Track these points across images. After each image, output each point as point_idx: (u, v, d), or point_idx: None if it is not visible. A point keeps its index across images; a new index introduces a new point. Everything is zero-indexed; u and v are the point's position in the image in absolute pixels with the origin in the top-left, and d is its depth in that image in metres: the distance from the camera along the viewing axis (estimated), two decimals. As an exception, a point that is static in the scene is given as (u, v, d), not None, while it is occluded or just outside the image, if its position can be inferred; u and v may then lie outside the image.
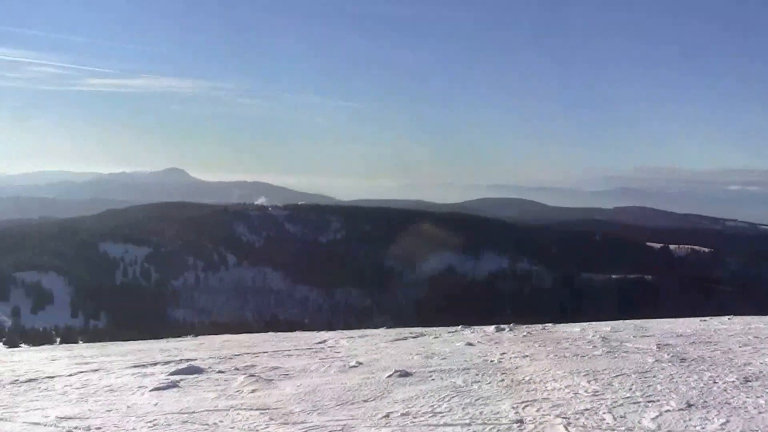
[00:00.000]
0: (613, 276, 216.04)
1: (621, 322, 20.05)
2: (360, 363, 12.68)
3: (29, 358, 16.15)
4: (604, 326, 18.43)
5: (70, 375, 12.49)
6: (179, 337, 22.71)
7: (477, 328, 19.05)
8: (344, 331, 20.22)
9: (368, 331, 19.83)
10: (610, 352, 13.38)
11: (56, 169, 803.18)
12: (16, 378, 12.27)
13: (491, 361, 12.57)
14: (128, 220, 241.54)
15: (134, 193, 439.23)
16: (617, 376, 10.79)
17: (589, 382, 10.28)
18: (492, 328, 18.46)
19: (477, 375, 11.17)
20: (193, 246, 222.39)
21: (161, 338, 21.82)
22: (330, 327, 27.62)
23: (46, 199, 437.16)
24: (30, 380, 12.04)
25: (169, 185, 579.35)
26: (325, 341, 16.95)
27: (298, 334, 20.52)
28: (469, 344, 15.16)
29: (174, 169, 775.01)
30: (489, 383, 10.44)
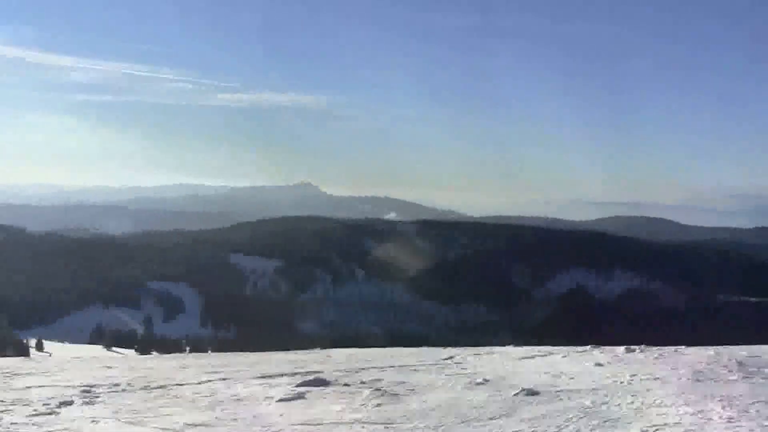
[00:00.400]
0: (751, 299, 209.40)
1: (758, 347, 19.33)
2: (486, 380, 12.56)
3: (160, 365, 16.49)
4: (740, 350, 17.82)
5: (199, 383, 12.70)
6: (306, 349, 22.88)
7: (606, 348, 18.68)
8: (470, 348, 20.07)
9: (495, 348, 19.64)
10: (746, 377, 12.91)
11: (190, 182, 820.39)
12: (147, 384, 12.54)
13: (621, 383, 12.31)
14: (259, 233, 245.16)
15: (265, 207, 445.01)
16: (754, 402, 10.38)
17: (723, 408, 9.93)
18: (622, 349, 18.09)
19: (606, 396, 10.94)
20: (322, 259, 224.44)
21: (288, 350, 22.02)
22: (456, 343, 27.48)
23: (179, 211, 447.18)
24: (160, 387, 12.28)
25: (299, 199, 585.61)
26: (451, 357, 16.87)
27: (424, 349, 20.47)
28: (598, 365, 14.88)
29: (304, 184, 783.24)
30: (618, 405, 10.22)
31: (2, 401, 10.76)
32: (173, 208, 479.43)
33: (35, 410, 9.94)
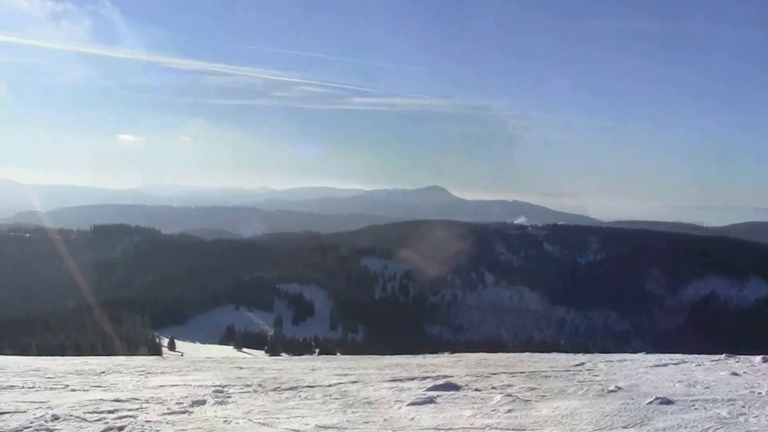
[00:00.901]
0: None
1: None
2: (619, 388, 12.27)
3: (291, 366, 16.61)
4: None
5: (330, 385, 12.73)
6: (435, 353, 22.80)
7: (742, 357, 18.08)
8: (602, 354, 19.73)
9: (627, 356, 19.24)
10: None
11: (321, 185, 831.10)
12: (279, 385, 12.63)
13: (759, 393, 11.86)
14: (389, 236, 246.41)
15: (395, 210, 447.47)
16: None
17: None
18: (759, 358, 17.47)
19: (743, 407, 10.55)
20: (451, 264, 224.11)
21: (417, 353, 21.98)
22: (586, 349, 27.08)
23: (311, 213, 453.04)
24: (291, 388, 12.35)
25: (429, 203, 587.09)
26: (582, 364, 16.57)
27: (554, 355, 20.18)
28: (734, 374, 14.40)
29: (435, 188, 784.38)
30: (756, 416, 9.82)
31: (137, 399, 10.96)
32: (305, 210, 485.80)
33: (169, 409, 10.09)
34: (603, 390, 12.08)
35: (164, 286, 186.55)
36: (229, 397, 11.35)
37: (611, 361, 17.21)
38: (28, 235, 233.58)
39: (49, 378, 13.38)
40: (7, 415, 9.29)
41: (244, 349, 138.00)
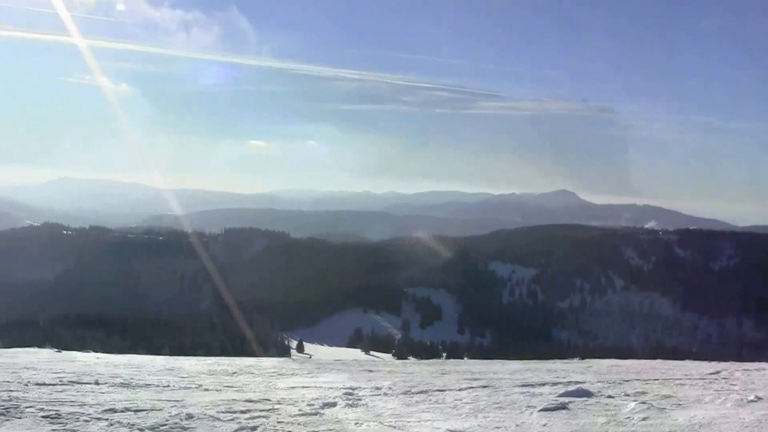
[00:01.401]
0: None
1: None
2: (759, 398, 11.84)
3: (420, 370, 16.59)
4: None
5: (460, 389, 12.63)
6: (564, 358, 22.50)
7: None
8: (738, 363, 19.14)
9: (765, 365, 18.61)
10: None
11: (448, 189, 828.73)
12: (409, 389, 12.59)
13: None
14: (517, 240, 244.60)
15: (523, 214, 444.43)
16: None
17: None
18: None
19: None
20: (580, 268, 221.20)
21: (546, 359, 21.72)
22: (719, 358, 26.32)
23: (438, 218, 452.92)
24: (422, 392, 12.30)
25: (558, 207, 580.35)
26: (718, 372, 16.09)
27: (688, 362, 19.70)
28: None
29: (563, 191, 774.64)
30: None
31: (269, 400, 11.05)
32: (432, 215, 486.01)
33: (300, 410, 10.14)
34: (742, 400, 11.68)
35: (293, 289, 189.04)
36: (360, 399, 11.36)
37: (749, 370, 16.67)
38: (161, 238, 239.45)
39: (182, 377, 13.63)
40: (144, 413, 9.47)
41: (371, 352, 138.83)
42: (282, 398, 11.29)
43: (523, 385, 13.13)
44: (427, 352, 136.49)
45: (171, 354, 33.56)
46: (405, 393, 12.13)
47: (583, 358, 22.62)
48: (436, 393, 12.19)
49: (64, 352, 19.40)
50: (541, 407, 10.60)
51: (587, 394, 11.86)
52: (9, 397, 10.35)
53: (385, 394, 12.04)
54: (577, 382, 13.34)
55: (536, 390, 12.57)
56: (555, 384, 13.28)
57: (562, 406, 10.70)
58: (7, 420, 8.82)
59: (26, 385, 11.77)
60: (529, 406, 10.78)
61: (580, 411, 10.45)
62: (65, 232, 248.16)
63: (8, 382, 11.96)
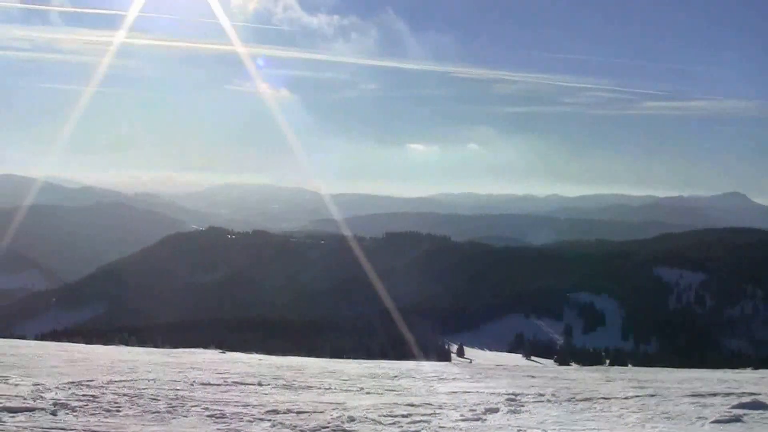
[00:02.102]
0: None
1: None
2: None
3: (583, 377, 16.24)
4: None
5: (626, 398, 12.26)
6: (735, 368, 21.68)
7: None
8: None
9: None
10: None
11: (612, 192, 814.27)
12: (573, 396, 12.31)
13: None
14: (684, 244, 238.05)
15: (691, 218, 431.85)
16: None
17: None
18: None
19: None
20: (751, 273, 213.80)
21: (714, 368, 20.99)
22: None
23: (602, 221, 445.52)
24: (586, 399, 12.00)
25: (728, 210, 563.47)
26: None
27: None
28: None
29: (734, 194, 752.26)
30: None
31: (430, 404, 10.97)
32: (596, 218, 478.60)
33: (462, 415, 10.02)
34: None
35: (453, 293, 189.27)
36: (522, 406, 11.16)
37: None
38: (323, 242, 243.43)
39: (344, 380, 13.70)
40: (306, 415, 9.52)
41: (532, 358, 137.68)
42: (443, 403, 11.20)
43: (693, 395, 12.65)
44: (589, 358, 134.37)
45: (331, 356, 33.95)
46: (569, 400, 11.86)
47: (756, 368, 21.74)
48: (601, 401, 11.87)
49: (228, 353, 19.83)
50: (713, 419, 10.17)
51: (764, 406, 11.31)
52: (176, 395, 10.59)
53: (548, 401, 11.80)
54: (751, 394, 12.77)
55: (707, 400, 12.09)
56: (727, 395, 12.75)
57: (736, 419, 10.23)
58: (174, 418, 9.00)
59: (192, 384, 12.03)
60: (700, 417, 10.35)
61: (756, 425, 9.96)
62: (229, 236, 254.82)
63: (175, 381, 12.26)
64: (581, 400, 11.84)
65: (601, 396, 12.38)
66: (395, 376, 14.76)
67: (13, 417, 8.67)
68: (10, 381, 11.56)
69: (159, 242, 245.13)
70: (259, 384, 12.51)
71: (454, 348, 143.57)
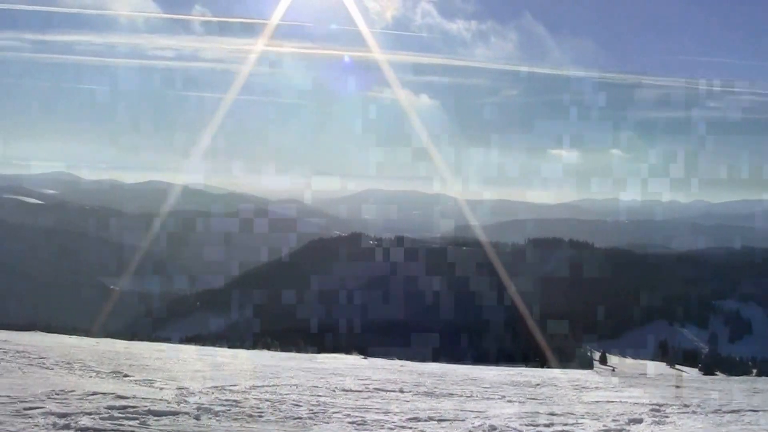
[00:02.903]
0: None
1: None
2: None
3: (729, 387, 15.87)
4: None
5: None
6: None
7: None
8: None
9: None
10: None
11: (759, 197, 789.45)
12: (719, 407, 11.96)
13: None
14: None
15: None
16: None
17: None
18: None
19: None
20: None
21: None
22: None
23: (748, 227, 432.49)
24: (733, 411, 11.64)
25: None
26: None
27: None
28: None
29: None
30: None
31: (572, 414, 10.81)
32: (743, 224, 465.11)
33: (605, 426, 9.85)
34: None
35: (596, 300, 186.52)
36: (667, 417, 10.91)
37: None
38: (465, 248, 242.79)
39: (485, 388, 13.62)
40: (447, 423, 9.49)
41: (677, 367, 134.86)
42: (586, 412, 11.03)
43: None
44: (736, 368, 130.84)
45: (472, 362, 33.79)
46: (715, 412, 11.53)
47: None
48: (749, 413, 11.50)
49: (370, 359, 19.94)
50: None
51: None
52: (318, 402, 10.69)
53: (694, 412, 11.50)
54: None
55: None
56: None
57: None
58: (315, 424, 9.08)
59: (334, 390, 12.13)
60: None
61: None
62: (371, 242, 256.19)
63: (317, 387, 12.38)
64: (728, 412, 11.50)
65: (749, 408, 12.00)
66: (537, 384, 14.61)
67: (157, 420, 8.89)
68: (155, 384, 11.86)
69: (302, 247, 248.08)
70: (401, 391, 12.52)
71: (596, 356, 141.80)
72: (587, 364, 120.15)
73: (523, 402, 11.99)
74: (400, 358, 23.79)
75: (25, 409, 9.05)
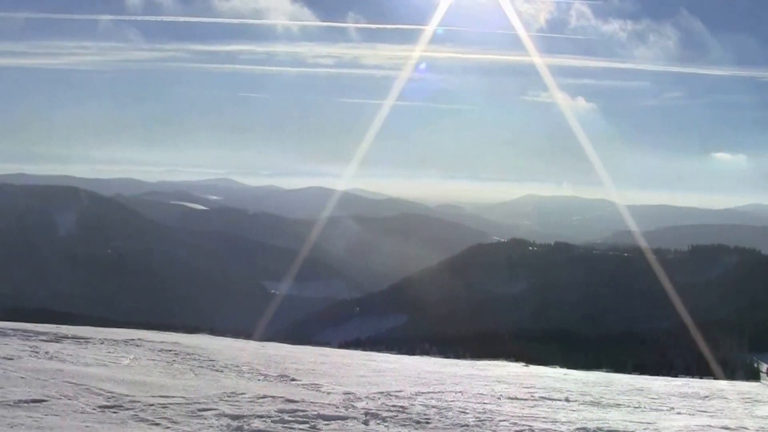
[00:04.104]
0: None
1: None
2: None
3: None
4: None
5: None
6: None
7: None
8: None
9: None
10: None
11: None
12: None
13: None
14: None
15: None
16: None
17: None
18: None
19: None
20: None
21: None
22: None
23: None
24: None
25: None
26: None
27: None
28: None
29: None
30: None
31: (745, 428, 10.49)
32: None
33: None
34: None
35: (763, 309, 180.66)
36: None
37: None
38: (625, 255, 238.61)
39: (653, 399, 13.33)
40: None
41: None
42: (761, 427, 10.66)
43: None
44: None
45: (633, 371, 33.16)
46: None
47: None
48: None
49: (532, 367, 19.74)
50: None
51: None
52: (484, 409, 10.66)
53: None
54: None
55: None
56: None
57: None
58: (482, 433, 9.04)
59: (499, 398, 12.07)
60: None
61: None
62: (530, 248, 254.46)
63: (482, 394, 12.33)
64: None
65: None
66: (706, 396, 14.19)
67: (327, 425, 9.07)
68: (323, 389, 12.05)
69: (461, 253, 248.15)
70: (567, 400, 12.36)
71: (765, 368, 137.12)
72: (754, 376, 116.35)
73: (693, 415, 11.68)
74: (560, 366, 23.49)
75: (199, 410, 9.35)
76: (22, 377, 10.82)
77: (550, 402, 11.99)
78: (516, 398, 12.14)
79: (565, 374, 17.76)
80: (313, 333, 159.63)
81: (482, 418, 9.85)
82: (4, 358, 12.57)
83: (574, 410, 11.27)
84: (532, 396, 12.51)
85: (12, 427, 7.86)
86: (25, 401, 9.07)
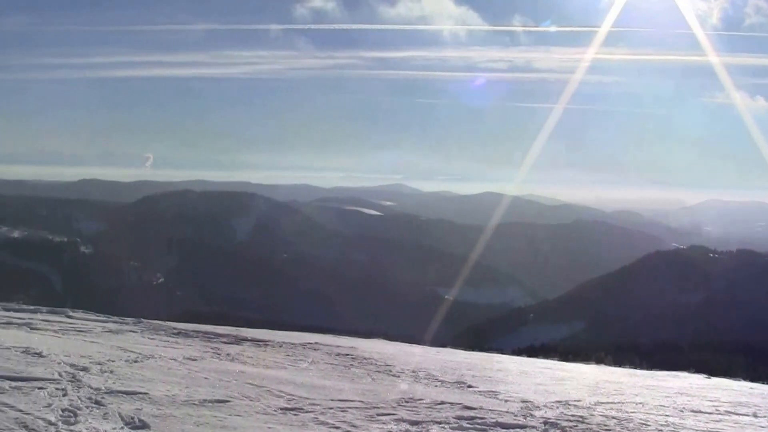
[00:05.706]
0: None
1: None
2: None
3: None
4: None
5: None
6: None
7: None
8: None
9: None
10: None
11: None
12: None
13: None
14: None
15: None
16: None
17: None
18: None
19: None
20: None
21: None
22: None
23: None
24: None
25: None
26: None
27: None
28: None
29: None
30: None
31: None
32: None
33: None
34: None
35: None
36: None
37: None
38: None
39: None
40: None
41: None
42: None
43: None
44: None
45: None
46: None
47: None
48: None
49: (714, 379, 19.12)
50: None
51: None
52: (666, 422, 10.38)
53: None
54: None
55: None
56: None
57: None
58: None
59: (682, 411, 11.72)
60: None
61: None
62: (712, 255, 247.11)
63: (663, 406, 12.01)
64: None
65: None
66: None
67: (505, 432, 8.98)
68: (499, 396, 11.96)
69: (638, 261, 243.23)
70: (755, 415, 11.87)
71: None
72: None
73: None
74: (744, 379, 22.69)
75: (378, 414, 9.42)
76: (205, 377, 11.17)
77: (736, 417, 11.56)
78: (700, 411, 11.76)
79: (751, 388, 17.09)
80: (487, 339, 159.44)
81: (665, 431, 9.57)
82: (189, 359, 13.01)
83: (763, 426, 10.85)
84: (716, 410, 12.09)
85: (198, 426, 8.10)
86: (210, 401, 9.34)
